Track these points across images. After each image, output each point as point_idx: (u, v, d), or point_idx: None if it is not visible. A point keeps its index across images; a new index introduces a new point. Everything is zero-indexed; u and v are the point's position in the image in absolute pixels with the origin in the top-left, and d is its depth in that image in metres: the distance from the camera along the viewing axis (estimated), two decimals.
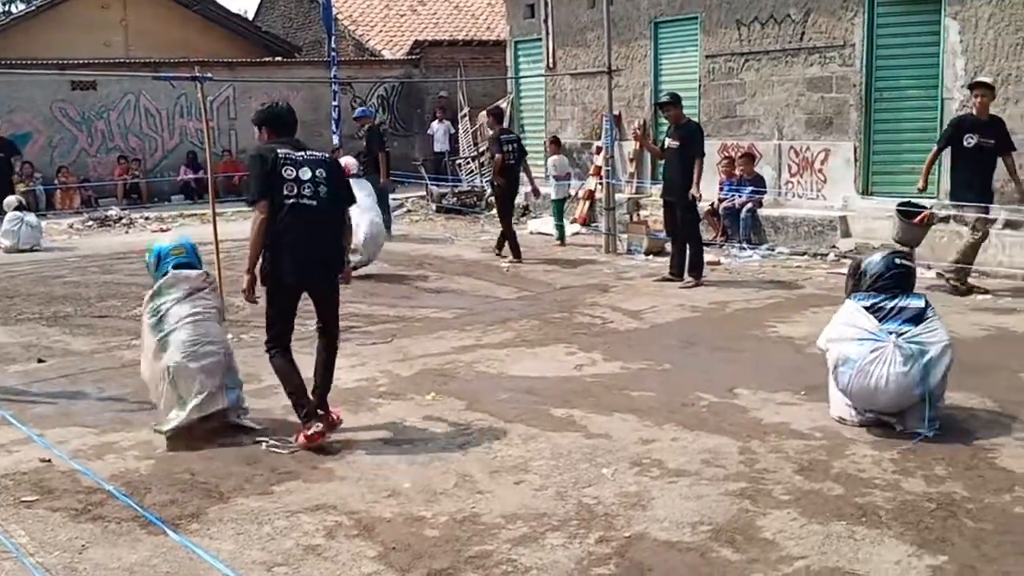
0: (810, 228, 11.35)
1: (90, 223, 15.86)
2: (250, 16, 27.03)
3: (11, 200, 13.31)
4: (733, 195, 12.04)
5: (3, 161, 13.43)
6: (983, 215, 8.49)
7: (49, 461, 4.83)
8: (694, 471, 4.53)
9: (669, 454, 4.77)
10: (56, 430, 5.36)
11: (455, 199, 16.84)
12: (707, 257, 9.76)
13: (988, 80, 8.89)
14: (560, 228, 12.82)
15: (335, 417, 5.28)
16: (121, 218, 16.29)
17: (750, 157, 12.38)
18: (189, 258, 5.46)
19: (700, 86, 13.33)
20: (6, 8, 32.67)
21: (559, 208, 12.88)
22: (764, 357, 6.68)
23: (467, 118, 18.86)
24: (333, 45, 18.44)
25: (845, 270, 6.07)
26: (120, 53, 21.24)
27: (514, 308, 8.61)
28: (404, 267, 11.06)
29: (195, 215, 16.61)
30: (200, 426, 5.14)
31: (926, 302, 5.17)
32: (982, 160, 8.58)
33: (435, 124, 20.03)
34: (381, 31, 23.59)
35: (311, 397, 5.18)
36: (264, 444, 5.03)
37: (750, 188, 11.99)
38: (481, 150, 18.20)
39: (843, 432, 5.04)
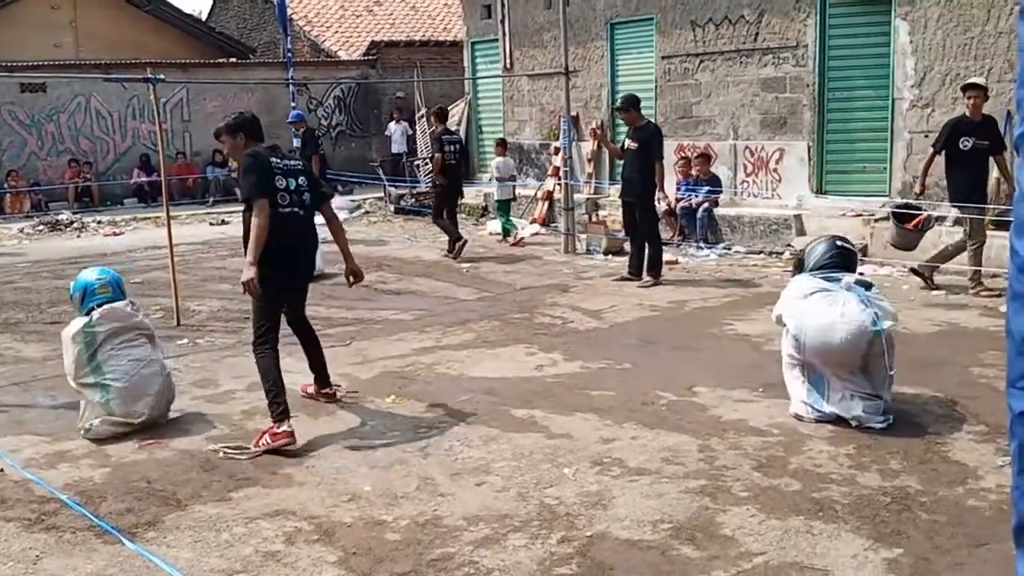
0: (766, 227, 11.49)
1: (41, 227, 15.56)
2: (203, 17, 26.70)
3: None
4: (690, 195, 12.15)
5: None
6: (979, 218, 8.34)
7: (1, 470, 4.74)
8: (654, 469, 4.56)
9: (630, 453, 4.80)
10: (8, 438, 5.26)
11: (413, 200, 16.77)
12: (665, 256, 9.83)
13: (980, 81, 8.77)
14: (506, 227, 13.05)
15: (339, 392, 5.92)
16: (72, 222, 15.99)
17: (706, 157, 12.50)
18: (115, 295, 5.53)
19: (656, 87, 13.43)
20: None
21: (504, 208, 13.20)
22: (722, 355, 6.75)
23: (424, 119, 18.79)
24: (289, 46, 18.27)
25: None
26: (70, 54, 20.86)
27: (474, 309, 8.60)
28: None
29: (148, 218, 16.38)
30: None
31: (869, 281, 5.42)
32: (978, 162, 8.49)
33: (392, 125, 19.95)
34: (337, 32, 23.45)
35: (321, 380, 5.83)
36: (221, 451, 4.97)
37: (706, 188, 12.10)
38: None
39: (800, 428, 5.10)
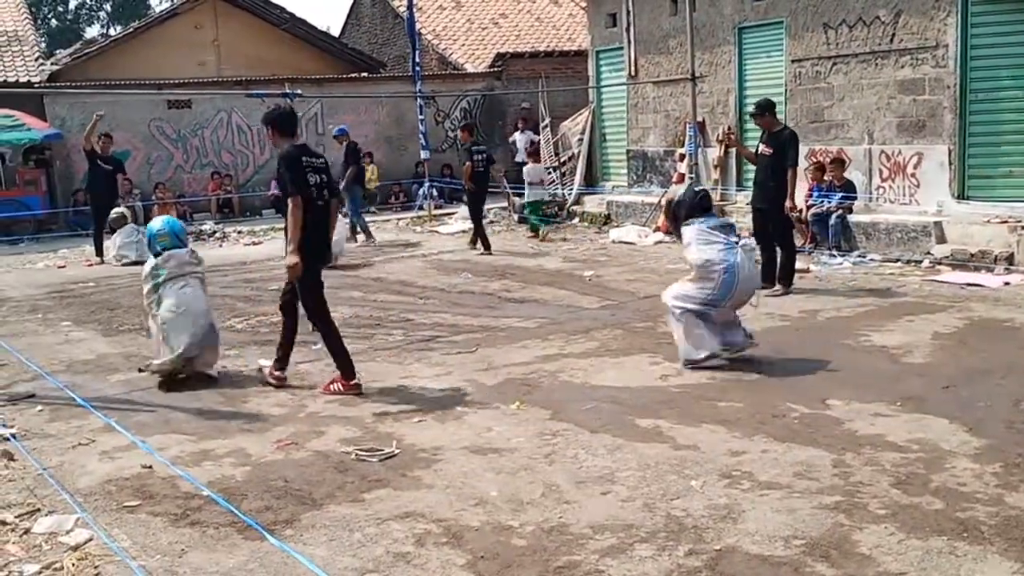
0: (903, 234, 11.04)
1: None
2: (336, 33, 27.62)
3: (118, 213, 13.78)
4: (822, 201, 11.79)
5: (110, 177, 13.96)
6: None
7: (150, 467, 5.01)
8: (786, 484, 4.44)
9: (760, 466, 4.69)
10: (156, 437, 5.55)
11: (541, 210, 16.84)
12: (796, 265, 9.56)
13: None
14: (535, 224, 14.78)
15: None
16: (215, 232, 16.81)
17: (839, 162, 12.11)
18: (173, 242, 6.81)
19: (787, 91, 13.11)
20: (105, 31, 34.11)
21: (533, 208, 14.96)
22: (857, 367, 6.51)
23: (548, 128, 18.90)
24: (417, 60, 18.70)
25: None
26: (213, 72, 21.94)
27: (597, 317, 8.58)
28: (487, 277, 11.13)
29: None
30: (182, 370, 6.63)
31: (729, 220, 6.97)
32: None
33: (516, 135, 20.14)
34: (464, 45, 23.86)
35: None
36: (354, 453, 5.12)
37: (840, 194, 11.72)
38: (563, 159, 18.23)
39: (942, 445, 4.87)
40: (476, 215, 13.48)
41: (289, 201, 6.08)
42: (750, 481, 4.50)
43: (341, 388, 6.29)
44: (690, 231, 6.55)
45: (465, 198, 14.56)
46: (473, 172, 13.20)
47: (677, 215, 6.71)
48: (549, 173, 18.52)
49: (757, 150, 9.59)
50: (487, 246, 13.19)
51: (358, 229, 14.84)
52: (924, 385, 5.97)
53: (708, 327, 6.51)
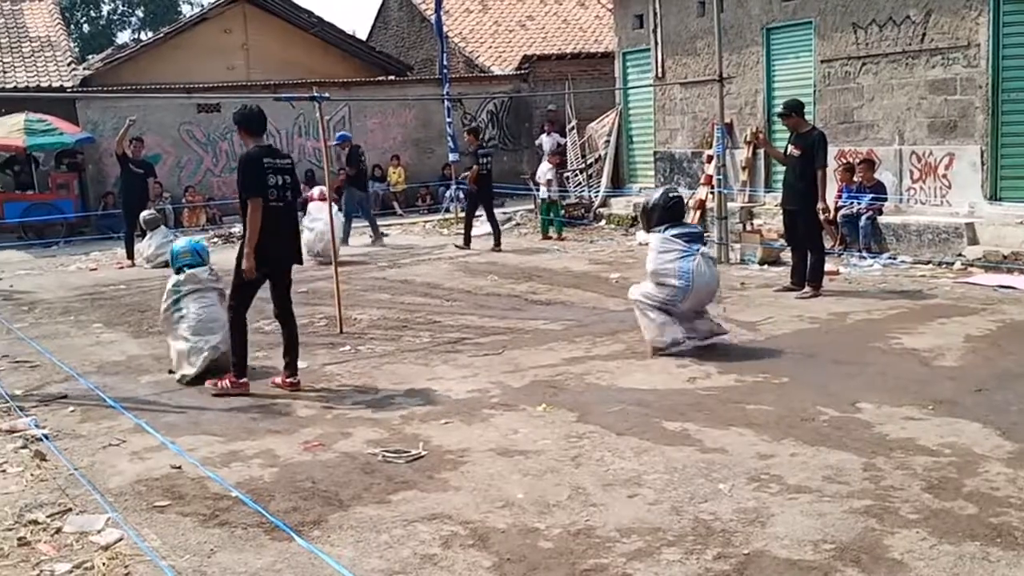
0: (934, 235, 10.91)
1: (215, 240, 16.53)
2: (364, 36, 27.75)
3: (152, 214, 13.92)
4: (852, 202, 11.68)
5: (142, 180, 14.10)
6: None
7: (180, 468, 5.06)
8: (815, 488, 4.40)
9: (788, 470, 4.64)
10: (185, 438, 5.60)
11: (563, 212, 16.84)
12: (826, 267, 9.48)
13: None
14: (546, 224, 15.27)
15: (299, 383, 6.58)
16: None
17: (869, 163, 11.99)
18: (194, 259, 7.17)
19: (816, 91, 13.00)
20: (136, 36, 34.50)
21: (545, 207, 15.34)
22: (888, 370, 6.43)
23: (575, 130, 18.88)
24: (445, 63, 18.74)
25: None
26: (242, 76, 22.11)
27: (624, 320, 8.52)
28: (513, 279, 11.13)
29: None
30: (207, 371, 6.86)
31: (698, 228, 7.45)
32: None
33: (543, 137, 20.12)
34: (490, 47, 23.88)
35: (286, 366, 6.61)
36: (380, 454, 5.13)
37: (870, 195, 11.61)
38: (589, 161, 18.20)
39: (974, 449, 4.81)
40: (470, 214, 14.35)
41: (248, 203, 6.23)
42: (779, 485, 4.46)
43: (229, 385, 6.50)
44: (655, 238, 7.12)
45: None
46: (479, 174, 13.82)
47: (650, 218, 7.22)
48: (577, 175, 18.53)
49: (786, 151, 9.52)
50: (466, 242, 14.13)
51: (377, 231, 15.24)
52: (956, 388, 5.89)
53: (672, 318, 7.00)
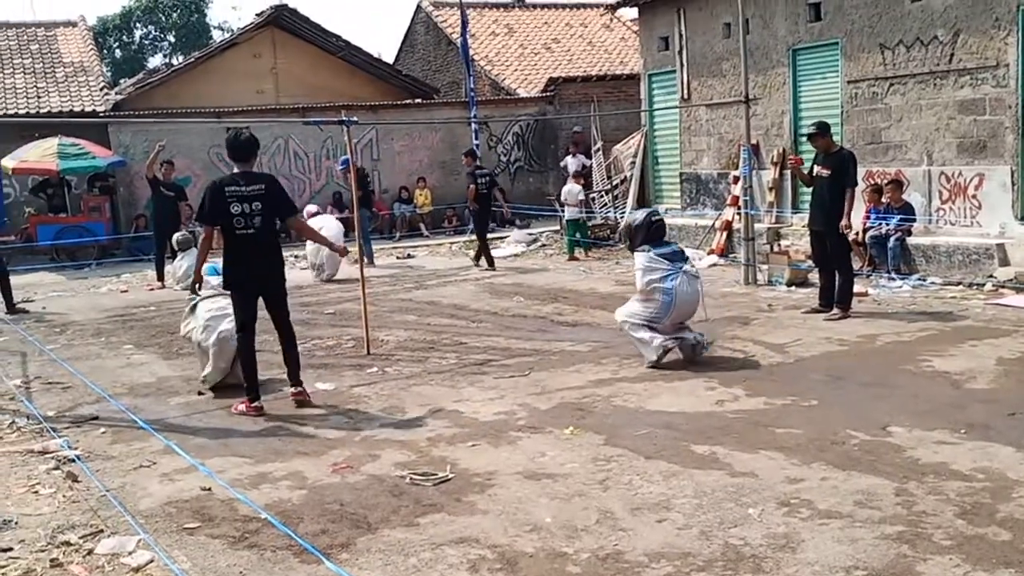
0: (964, 257, 10.81)
1: None
2: (391, 60, 28.01)
3: (184, 235, 14.07)
4: (880, 223, 11.61)
5: (173, 203, 14.27)
6: None
7: (209, 489, 5.09)
8: (847, 513, 4.35)
9: (819, 494, 4.60)
10: (215, 459, 5.64)
11: (589, 233, 16.88)
12: (855, 288, 9.41)
13: None
14: (571, 244, 15.39)
15: (307, 393, 6.84)
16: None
17: (898, 184, 11.92)
18: (211, 272, 7.45)
19: (842, 112, 12.96)
20: (168, 60, 35.03)
21: (572, 227, 15.49)
22: (919, 393, 6.37)
23: (601, 152, 18.92)
24: (471, 85, 18.88)
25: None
26: (271, 100, 22.38)
27: None
28: (540, 301, 11.14)
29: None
30: (224, 381, 7.31)
31: (678, 246, 7.84)
32: None
33: (568, 159, 20.19)
34: (516, 70, 24.03)
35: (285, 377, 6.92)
36: (408, 477, 5.14)
37: (898, 216, 11.53)
38: (615, 183, 18.23)
39: (1008, 474, 4.74)
40: (481, 233, 14.64)
41: (202, 227, 6.72)
42: (809, 509, 4.42)
43: (245, 409, 6.62)
44: (640, 258, 7.50)
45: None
46: (477, 194, 14.32)
47: (633, 239, 7.61)
48: (602, 196, 18.57)
49: (811, 171, 9.48)
50: (491, 262, 14.32)
51: (371, 255, 15.42)
52: (989, 412, 5.82)
53: (656, 331, 7.45)
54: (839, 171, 9.05)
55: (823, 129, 9.30)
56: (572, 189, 15.74)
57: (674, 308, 7.37)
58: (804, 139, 10.52)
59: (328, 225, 13.21)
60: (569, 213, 15.56)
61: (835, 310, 9.06)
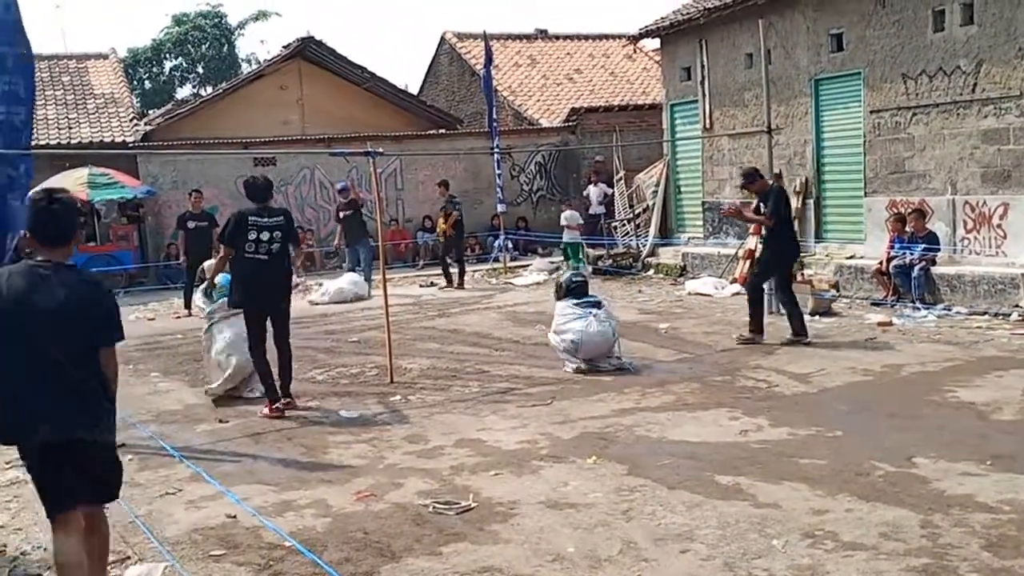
0: (990, 286, 10.73)
1: None
2: (415, 90, 28.29)
3: (209, 264, 14.19)
4: (904, 252, 11.56)
5: (205, 232, 14.39)
6: None
7: (235, 517, 5.14)
8: (872, 545, 4.33)
9: (844, 526, 4.58)
10: (240, 487, 5.69)
11: (611, 261, 16.91)
12: (878, 317, 9.38)
13: None
14: (575, 266, 15.29)
15: (296, 401, 7.65)
16: (297, 284, 17.14)
17: (920, 213, 11.88)
18: (228, 294, 7.81)
19: (865, 142, 12.96)
20: (196, 91, 35.53)
21: (572, 251, 16.22)
22: (944, 424, 6.33)
23: (623, 181, 18.98)
24: (494, 116, 19.03)
25: None
26: (297, 130, 22.64)
27: (673, 370, 8.52)
28: None
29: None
30: (228, 393, 8.08)
31: (599, 298, 9.02)
32: None
33: (590, 187, 20.27)
34: (539, 100, 24.19)
35: (278, 389, 7.54)
36: (431, 506, 5.16)
37: (922, 245, 11.48)
38: (637, 212, 18.27)
39: None
40: (448, 255, 15.97)
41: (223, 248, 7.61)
42: (834, 541, 4.40)
43: (267, 411, 7.43)
44: (560, 305, 8.87)
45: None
46: (456, 221, 15.70)
47: (559, 293, 9.05)
48: (624, 225, 18.60)
49: (757, 210, 9.75)
50: (450, 281, 15.77)
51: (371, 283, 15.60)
52: (1015, 443, 5.77)
53: (575, 357, 8.59)
54: (766, 205, 9.41)
55: (748, 178, 9.79)
56: (573, 214, 16.45)
57: (583, 346, 8.48)
58: (824, 169, 10.56)
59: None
60: (568, 236, 16.19)
61: (800, 336, 9.32)
